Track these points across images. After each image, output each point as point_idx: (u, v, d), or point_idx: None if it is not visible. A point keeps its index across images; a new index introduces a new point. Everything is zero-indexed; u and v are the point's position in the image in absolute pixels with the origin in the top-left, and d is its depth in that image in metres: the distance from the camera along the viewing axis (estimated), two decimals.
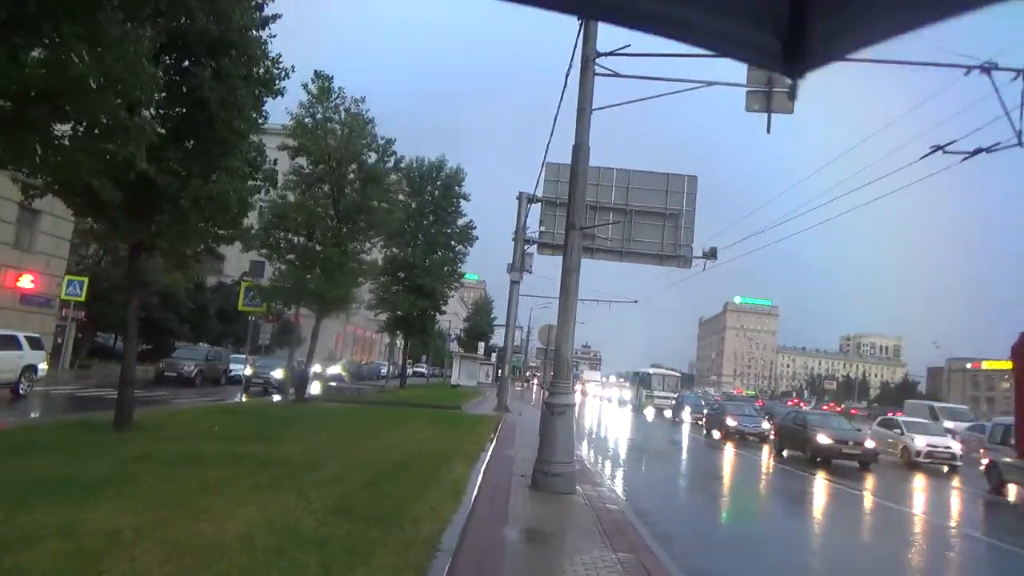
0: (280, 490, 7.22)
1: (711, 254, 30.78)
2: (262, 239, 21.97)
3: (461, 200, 42.09)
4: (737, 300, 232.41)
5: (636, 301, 49.07)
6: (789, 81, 1.22)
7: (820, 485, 16.48)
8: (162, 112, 11.58)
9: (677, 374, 56.94)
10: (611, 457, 19.17)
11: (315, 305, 21.86)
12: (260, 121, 13.94)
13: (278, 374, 29.58)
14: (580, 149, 10.64)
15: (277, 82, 13.66)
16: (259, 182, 13.78)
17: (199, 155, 11.82)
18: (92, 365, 38.47)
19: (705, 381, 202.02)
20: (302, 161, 21.75)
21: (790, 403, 77.07)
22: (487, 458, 12.25)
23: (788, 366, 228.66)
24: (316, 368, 48.53)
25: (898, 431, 23.62)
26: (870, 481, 18.09)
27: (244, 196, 12.68)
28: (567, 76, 11.58)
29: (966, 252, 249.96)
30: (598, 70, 10.85)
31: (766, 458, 22.09)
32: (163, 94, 10.67)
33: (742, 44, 1.21)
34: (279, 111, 21.24)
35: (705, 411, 38.53)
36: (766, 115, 11.13)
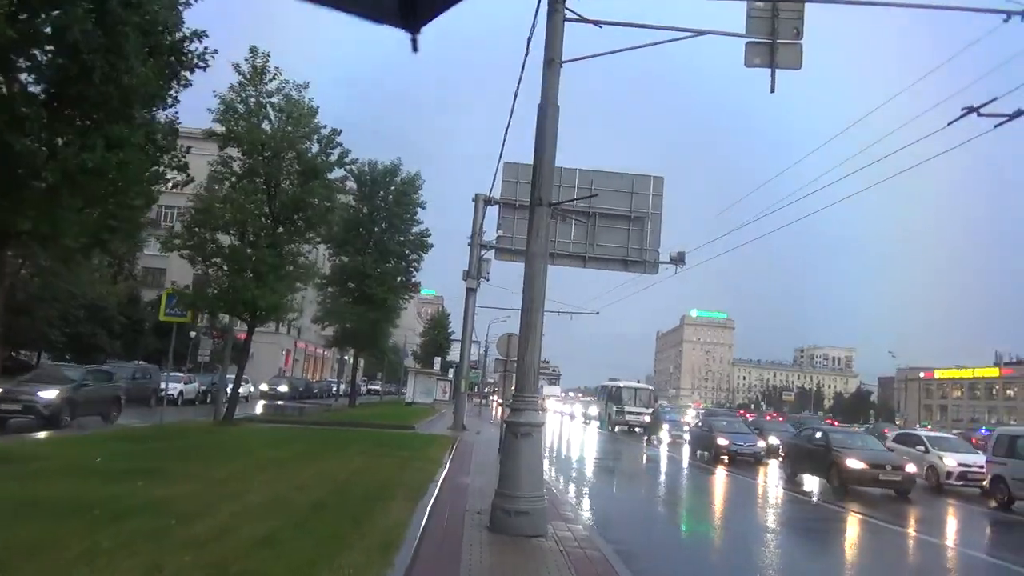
0: (126, 557, 4.96)
1: (679, 259, 29.08)
2: (184, 238, 19.42)
3: (417, 208, 39.81)
4: (694, 313, 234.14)
5: (598, 312, 47.38)
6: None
7: (853, 522, 13.20)
8: (21, 60, 9.22)
9: (650, 388, 52.20)
10: (583, 484, 16.51)
11: (246, 314, 19.36)
12: (170, 91, 11.70)
13: (48, 394, 18.06)
14: (547, 108, 8.64)
15: (195, 57, 11.48)
16: (160, 164, 11.43)
17: (71, 117, 9.47)
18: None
19: (663, 395, 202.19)
20: (233, 151, 19.30)
21: (739, 413, 76.04)
22: (436, 490, 10.06)
23: (744, 378, 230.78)
24: (248, 386, 45.88)
25: (921, 448, 20.19)
26: (912, 514, 14.90)
27: (136, 175, 10.32)
28: (532, 30, 9.56)
29: (914, 263, 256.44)
30: (568, 15, 8.88)
31: (772, 485, 18.97)
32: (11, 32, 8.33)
33: (362, 4, 1.36)
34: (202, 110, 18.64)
35: (686, 428, 36.20)
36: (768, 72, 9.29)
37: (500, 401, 62.55)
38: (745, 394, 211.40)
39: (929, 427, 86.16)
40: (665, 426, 36.69)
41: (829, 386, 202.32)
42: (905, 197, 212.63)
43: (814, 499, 16.12)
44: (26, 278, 36.78)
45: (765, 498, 16.84)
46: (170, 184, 12.00)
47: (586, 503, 12.56)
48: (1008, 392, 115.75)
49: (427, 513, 8.18)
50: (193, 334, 46.66)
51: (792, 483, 18.87)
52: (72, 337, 40.32)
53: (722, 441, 24.36)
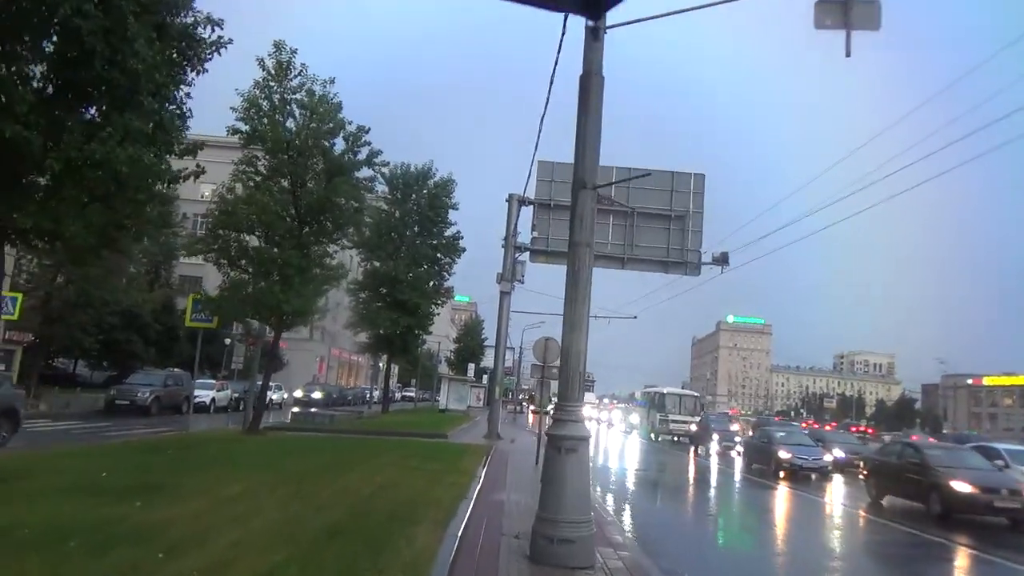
0: None
1: (722, 259, 27.80)
2: (208, 241, 18.79)
3: (449, 210, 39.03)
4: (730, 319, 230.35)
5: (635, 317, 46.02)
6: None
7: (965, 558, 11.07)
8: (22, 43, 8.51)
9: (695, 394, 48.52)
10: (631, 502, 14.67)
11: (272, 318, 18.64)
12: (183, 80, 10.96)
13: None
14: (590, 78, 7.62)
15: (207, 45, 10.76)
16: (172, 153, 10.67)
17: (72, 103, 8.73)
18: (43, 393, 34.89)
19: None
20: (257, 150, 18.62)
21: (775, 419, 73.22)
22: (469, 509, 9.07)
23: (783, 385, 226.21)
24: (281, 393, 45.51)
25: (1000, 463, 16.92)
26: None
27: (147, 168, 9.55)
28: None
29: (958, 268, 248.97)
30: None
31: (850, 506, 16.57)
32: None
33: None
34: (224, 113, 17.97)
35: (737, 439, 34.19)
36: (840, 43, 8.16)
37: (535, 409, 61.24)
38: (784, 401, 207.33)
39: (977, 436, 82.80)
40: (715, 436, 34.10)
41: (871, 393, 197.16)
42: (950, 198, 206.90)
43: (906, 527, 13.32)
44: (61, 286, 36.86)
45: (845, 523, 14.54)
46: (182, 177, 11.21)
47: (636, 525, 11.25)
48: None
49: (457, 540, 7.20)
50: (228, 341, 46.65)
51: (877, 507, 16.31)
52: (106, 344, 40.32)
53: (784, 454, 21.98)
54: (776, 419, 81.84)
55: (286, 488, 8.92)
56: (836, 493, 19.59)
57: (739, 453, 31.31)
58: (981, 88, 17.68)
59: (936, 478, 14.54)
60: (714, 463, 28.27)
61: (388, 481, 10.49)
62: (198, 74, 11.14)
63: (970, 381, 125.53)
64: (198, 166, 11.47)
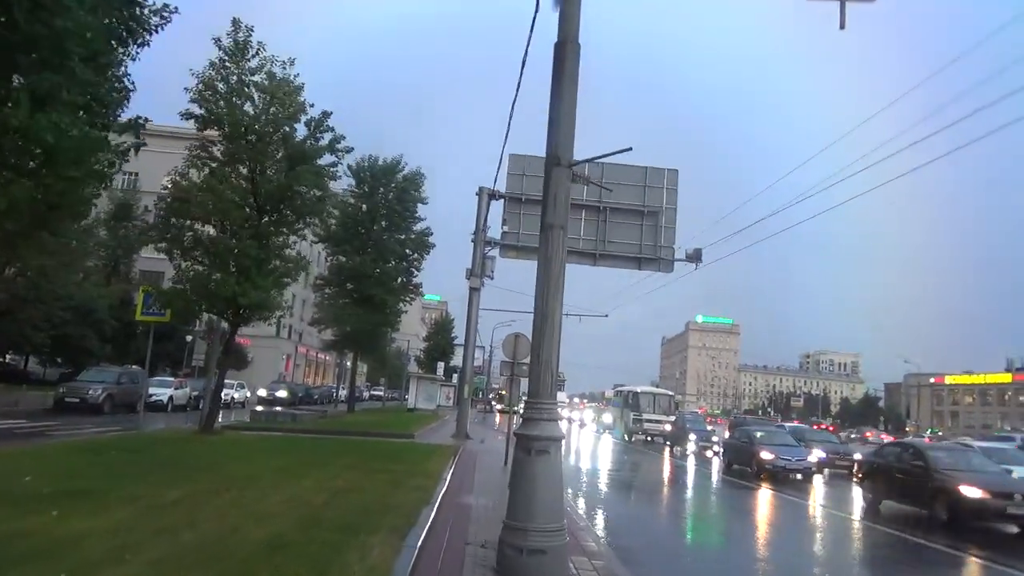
0: None
1: (696, 256, 27.43)
2: (160, 230, 17.77)
3: (418, 204, 38.18)
4: (699, 319, 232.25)
5: (607, 315, 45.61)
6: None
7: (974, 567, 10.30)
8: None
9: (670, 393, 47.34)
10: (605, 506, 14.05)
11: (229, 312, 17.68)
12: (121, 49, 10.10)
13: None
14: (566, 46, 6.98)
15: (151, 12, 9.92)
16: (108, 130, 9.79)
17: None
18: None
19: None
20: (212, 134, 17.63)
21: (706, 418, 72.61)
22: (432, 515, 8.36)
23: (751, 384, 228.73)
24: (244, 391, 44.24)
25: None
26: None
27: (77, 141, 8.67)
28: None
29: (921, 268, 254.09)
30: None
31: (844, 511, 15.90)
32: None
33: None
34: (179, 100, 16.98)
35: (715, 439, 33.11)
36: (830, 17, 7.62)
37: (501, 408, 60.23)
38: (751, 400, 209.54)
39: (940, 434, 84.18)
40: (691, 436, 33.16)
41: (836, 392, 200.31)
42: (913, 199, 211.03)
43: (909, 535, 12.27)
44: (9, 278, 35.21)
45: (839, 529, 13.62)
46: (122, 151, 10.33)
47: (611, 530, 10.57)
48: (1021, 398, 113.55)
49: (416, 551, 6.48)
50: (189, 338, 45.14)
51: (873, 512, 15.17)
52: (58, 340, 38.70)
53: (766, 455, 21.02)
54: (746, 417, 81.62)
55: (229, 495, 8.11)
56: (824, 496, 18.96)
57: (716, 453, 30.74)
58: (955, 82, 17.40)
59: (941, 483, 13.58)
60: (691, 464, 27.55)
61: (346, 485, 9.70)
62: (140, 47, 10.28)
63: (932, 380, 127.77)
64: (138, 137, 10.57)
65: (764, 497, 17.41)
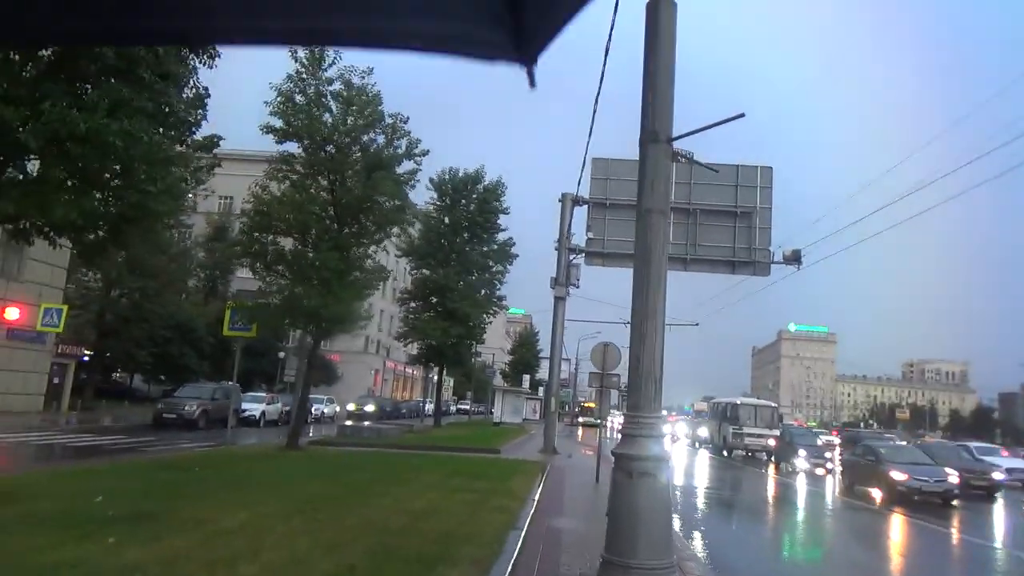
0: None
1: (794, 257, 25.64)
2: (245, 245, 17.78)
3: (500, 215, 37.73)
4: (792, 327, 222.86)
5: (697, 324, 43.77)
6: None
7: None
8: None
9: (772, 404, 42.43)
10: (711, 531, 12.16)
11: (311, 326, 17.49)
12: (192, 63, 9.86)
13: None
14: (660, 5, 6.04)
15: None
16: (183, 144, 9.51)
17: (53, 67, 7.59)
18: (98, 407, 34.79)
19: None
20: (293, 147, 17.55)
21: (833, 432, 67.41)
22: (519, 543, 7.50)
23: (849, 395, 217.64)
24: (333, 406, 44.70)
25: None
26: None
27: (147, 151, 8.37)
28: None
29: None
30: None
31: (990, 539, 13.78)
32: None
33: (471, 44, 1.19)
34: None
35: (827, 455, 29.87)
36: None
37: (583, 421, 58.28)
38: (851, 411, 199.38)
39: None
40: (800, 452, 29.32)
41: (943, 402, 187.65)
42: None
43: None
44: (115, 299, 36.89)
45: (984, 560, 11.50)
46: (201, 168, 10.06)
47: (724, 562, 9.44)
48: None
49: None
50: (282, 354, 46.22)
51: None
52: (160, 357, 40.27)
53: (898, 475, 18.13)
54: (834, 432, 75.57)
55: (301, 518, 7.53)
56: (963, 521, 16.13)
57: (828, 471, 27.91)
58: None
59: None
60: (802, 483, 24.64)
61: (426, 507, 8.99)
62: (211, 58, 9.97)
63: None
64: (215, 156, 10.29)
65: (895, 523, 15.13)
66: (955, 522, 15.92)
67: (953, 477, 18.85)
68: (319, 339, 18.26)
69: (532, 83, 1.17)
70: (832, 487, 23.40)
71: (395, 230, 18.79)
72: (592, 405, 69.17)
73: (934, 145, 18.62)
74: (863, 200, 23.96)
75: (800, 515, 17.02)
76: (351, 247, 17.65)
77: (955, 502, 18.37)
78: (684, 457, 36.79)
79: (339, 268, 16.71)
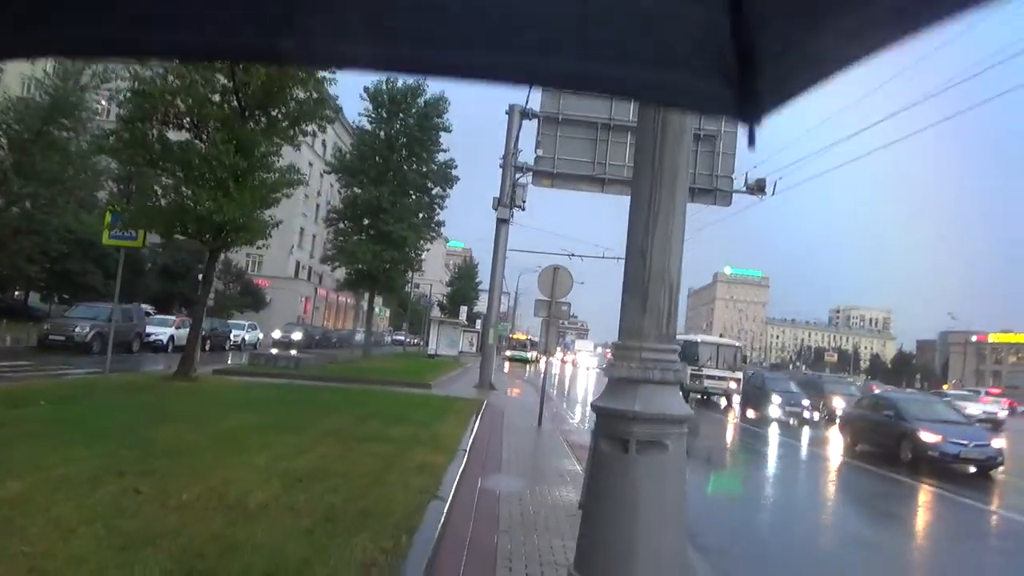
0: None
1: (758, 187, 23.82)
2: (119, 135, 14.51)
3: (441, 132, 34.59)
4: (728, 271, 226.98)
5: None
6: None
7: None
8: None
9: (736, 343, 37.85)
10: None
11: (206, 235, 14.57)
12: None
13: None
14: None
15: None
16: None
17: None
18: None
19: None
20: None
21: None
22: (441, 520, 5.23)
23: (778, 338, 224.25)
24: (256, 333, 41.76)
25: None
26: None
27: None
28: None
29: (955, 222, 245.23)
30: None
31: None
32: None
33: (692, 96, 1.16)
34: None
35: (805, 403, 25.54)
36: None
37: (510, 355, 54.82)
38: (778, 353, 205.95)
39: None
40: (774, 399, 25.16)
41: (865, 348, 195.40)
42: (953, 145, 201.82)
43: None
44: (0, 208, 32.53)
45: None
46: None
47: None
48: None
49: None
50: (200, 277, 42.69)
51: None
52: (58, 275, 36.25)
53: (929, 437, 14.47)
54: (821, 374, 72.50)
55: (112, 487, 5.02)
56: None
57: (805, 422, 24.45)
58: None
59: None
60: (777, 437, 20.09)
61: (314, 467, 6.54)
62: None
63: (975, 338, 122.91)
64: None
65: (936, 502, 11.63)
66: (1001, 501, 12.42)
67: (998, 441, 15.64)
68: (216, 251, 15.38)
69: (751, 143, 1.10)
70: (822, 443, 20.07)
71: (311, 128, 15.79)
72: (521, 336, 67.63)
73: (892, 84, 16.39)
74: (824, 135, 22.03)
75: (829, 493, 12.85)
76: (257, 145, 14.61)
77: (999, 470, 14.56)
78: None
79: (236, 165, 13.73)
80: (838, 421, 21.32)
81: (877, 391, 22.54)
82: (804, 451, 18.43)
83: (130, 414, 8.98)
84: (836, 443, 19.22)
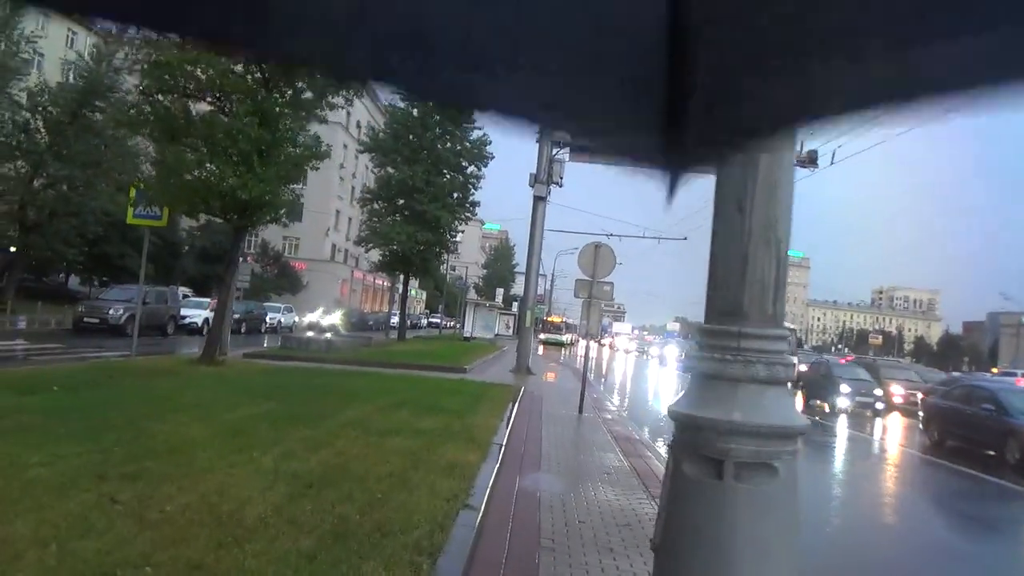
0: None
1: (810, 159, 22.47)
2: (140, 109, 13.91)
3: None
4: None
5: (686, 238, 40.76)
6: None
7: None
8: None
9: (791, 326, 36.16)
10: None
11: (230, 213, 13.95)
12: None
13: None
14: None
15: None
16: None
17: None
18: (30, 309, 31.14)
19: None
20: None
21: None
22: (472, 536, 4.40)
23: (819, 319, 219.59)
24: (291, 316, 41.54)
25: None
26: None
27: None
28: None
29: (1006, 201, 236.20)
30: None
31: None
32: None
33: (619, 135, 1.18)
34: None
35: (877, 393, 23.12)
36: None
37: (544, 338, 52.75)
38: (819, 336, 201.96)
39: None
40: (843, 388, 22.68)
41: (910, 330, 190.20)
42: (1001, 128, 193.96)
43: None
44: (38, 190, 32.61)
45: None
46: None
47: None
48: None
49: None
50: (241, 259, 42.54)
51: None
52: (96, 258, 36.41)
53: None
54: (877, 359, 69.28)
55: (106, 484, 4.32)
56: None
57: (877, 413, 22.53)
58: None
59: None
60: (842, 425, 18.68)
61: (326, 468, 5.74)
62: None
63: None
64: None
65: None
66: None
67: None
68: (241, 230, 14.77)
69: (670, 196, 1.10)
70: (898, 439, 18.05)
71: (338, 99, 15.03)
72: (557, 320, 66.06)
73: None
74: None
75: (912, 490, 11.32)
76: (282, 118, 13.88)
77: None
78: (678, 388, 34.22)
79: (259, 139, 13.03)
80: (921, 414, 18.65)
81: (965, 379, 20.18)
82: (889, 449, 16.26)
83: (140, 403, 8.34)
84: (914, 437, 17.31)
